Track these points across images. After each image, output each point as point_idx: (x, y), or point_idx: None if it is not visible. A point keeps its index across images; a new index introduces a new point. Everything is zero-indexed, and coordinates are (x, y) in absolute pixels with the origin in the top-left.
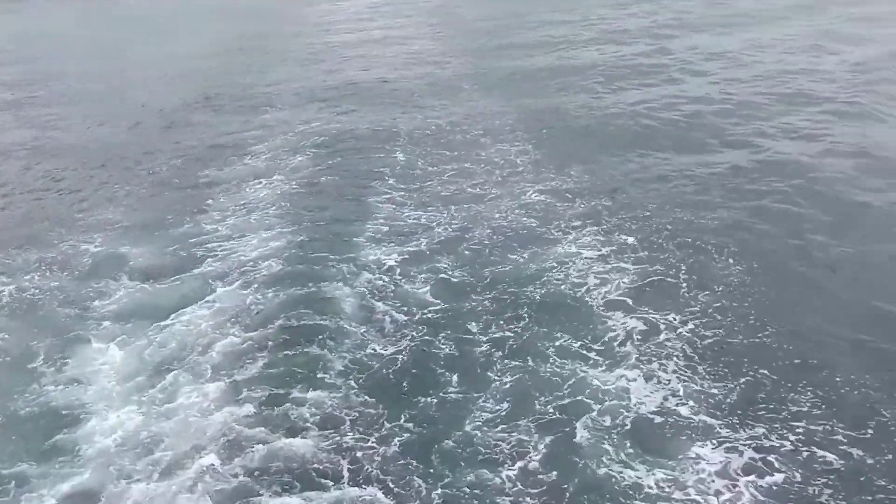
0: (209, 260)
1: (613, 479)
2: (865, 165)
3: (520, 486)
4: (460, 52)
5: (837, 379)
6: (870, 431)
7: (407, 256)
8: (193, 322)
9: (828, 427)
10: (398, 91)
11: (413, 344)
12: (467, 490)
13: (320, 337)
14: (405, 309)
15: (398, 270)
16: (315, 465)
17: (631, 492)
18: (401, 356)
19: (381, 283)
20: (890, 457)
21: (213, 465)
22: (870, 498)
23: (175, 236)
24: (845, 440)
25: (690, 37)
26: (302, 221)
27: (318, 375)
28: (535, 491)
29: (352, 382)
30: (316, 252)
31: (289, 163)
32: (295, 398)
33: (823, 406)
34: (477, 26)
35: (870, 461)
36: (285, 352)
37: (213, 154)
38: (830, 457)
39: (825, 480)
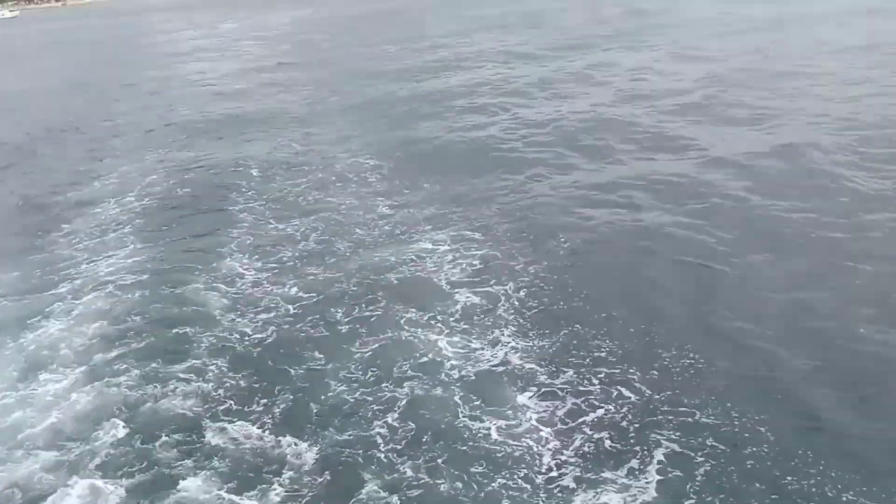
0: (66, 281)
1: (465, 429)
2: (686, 158)
3: (388, 440)
4: (313, 80)
5: (631, 329)
6: (654, 372)
7: (272, 260)
8: (54, 327)
9: (625, 369)
10: (253, 114)
11: (281, 329)
12: (342, 448)
13: (188, 325)
14: (272, 302)
15: (264, 272)
16: (192, 429)
17: (479, 438)
18: (270, 338)
19: (247, 283)
20: (669, 392)
21: (83, 440)
22: (656, 419)
23: (31, 262)
24: (637, 379)
25: (533, 63)
26: (160, 237)
27: (189, 354)
28: (400, 446)
29: (224, 359)
30: (177, 263)
31: (142, 183)
32: (166, 373)
33: (621, 353)
34: (329, 55)
35: (656, 396)
36: (153, 338)
37: (64, 182)
38: (628, 392)
39: (625, 411)
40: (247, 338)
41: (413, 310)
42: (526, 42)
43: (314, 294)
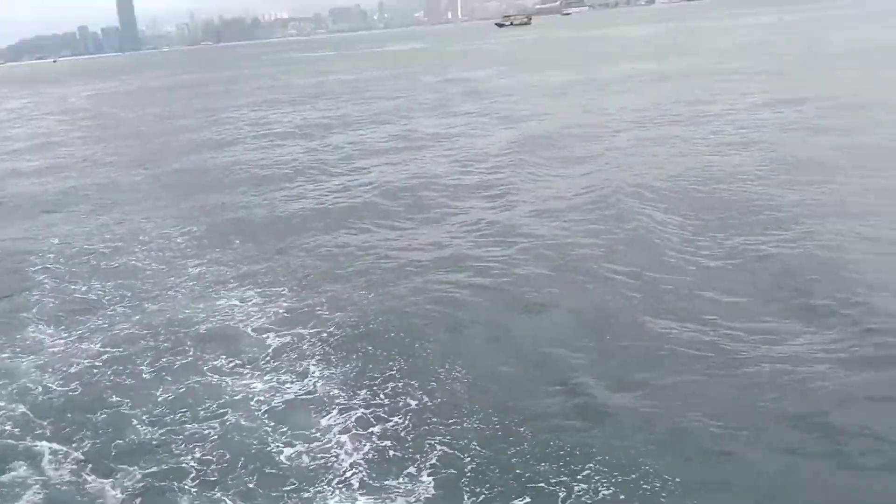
0: None
1: (276, 453)
2: (496, 206)
3: (200, 472)
4: (116, 152)
5: (416, 345)
6: (433, 383)
7: (78, 321)
8: None
9: (408, 383)
10: (52, 189)
11: (85, 381)
12: (151, 481)
13: None
14: (77, 358)
15: (69, 333)
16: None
17: (288, 460)
18: (75, 390)
19: (51, 343)
20: (439, 400)
21: None
22: (431, 427)
23: None
24: (419, 390)
25: (351, 130)
26: None
27: None
28: (213, 477)
29: (26, 406)
30: None
31: None
32: None
33: (407, 369)
34: (132, 128)
35: (430, 403)
36: None
37: None
38: (412, 401)
39: (407, 419)
40: (50, 390)
41: (223, 357)
42: (344, 109)
43: (120, 349)
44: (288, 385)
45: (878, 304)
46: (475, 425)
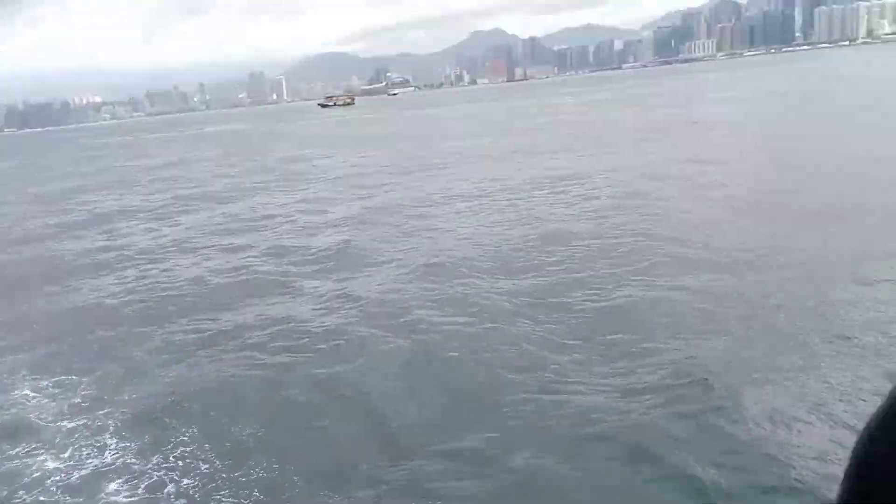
0: None
1: None
2: (337, 275)
3: None
4: None
5: (211, 413)
6: (227, 443)
7: None
8: None
9: (201, 446)
10: None
11: None
12: None
13: None
14: None
15: None
16: None
17: None
18: None
19: None
20: (228, 459)
21: None
22: (215, 480)
23: None
24: (212, 451)
25: (158, 218)
26: None
27: None
28: None
29: None
30: None
31: None
32: None
33: (199, 434)
34: None
35: (219, 462)
36: None
37: None
38: (203, 463)
39: (197, 479)
40: None
41: (20, 444)
42: (156, 196)
43: None
44: (86, 461)
45: (649, 343)
46: (261, 475)
